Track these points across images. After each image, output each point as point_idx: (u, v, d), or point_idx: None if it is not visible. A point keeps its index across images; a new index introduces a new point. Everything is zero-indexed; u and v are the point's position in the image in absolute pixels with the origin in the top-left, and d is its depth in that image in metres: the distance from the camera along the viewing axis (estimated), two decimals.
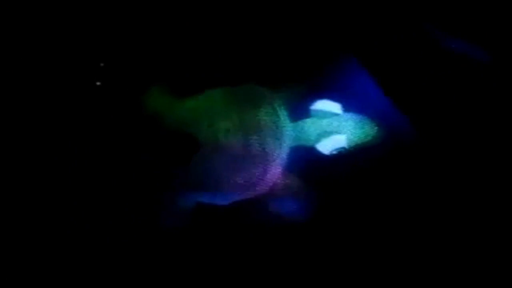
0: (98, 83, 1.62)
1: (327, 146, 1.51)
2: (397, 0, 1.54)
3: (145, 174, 1.52)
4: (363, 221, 1.49)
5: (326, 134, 1.51)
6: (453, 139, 1.50)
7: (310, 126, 1.53)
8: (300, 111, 1.55)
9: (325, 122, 1.52)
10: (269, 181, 1.50)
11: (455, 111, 1.50)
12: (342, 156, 1.52)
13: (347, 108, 1.55)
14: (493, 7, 1.49)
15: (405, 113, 1.52)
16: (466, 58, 1.48)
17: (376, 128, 1.52)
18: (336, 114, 1.54)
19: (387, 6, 1.56)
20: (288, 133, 1.53)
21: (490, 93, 1.47)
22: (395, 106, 1.52)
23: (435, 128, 1.51)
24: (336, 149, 1.51)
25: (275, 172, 1.51)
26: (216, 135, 1.50)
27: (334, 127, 1.52)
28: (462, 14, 1.51)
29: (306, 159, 1.53)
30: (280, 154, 1.51)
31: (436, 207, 1.47)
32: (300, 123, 1.54)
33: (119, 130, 1.56)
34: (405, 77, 1.54)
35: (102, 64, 1.63)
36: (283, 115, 1.53)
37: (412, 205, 1.49)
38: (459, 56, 1.49)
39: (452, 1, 1.51)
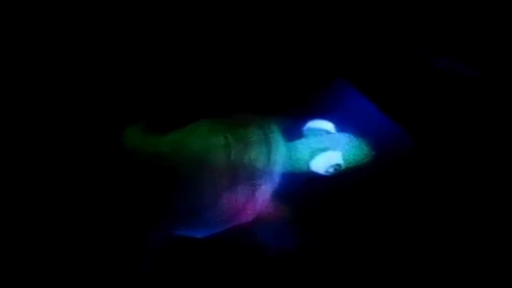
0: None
1: (321, 164, 1.46)
2: (385, 21, 1.52)
3: (122, 209, 1.43)
4: (360, 248, 1.41)
5: (320, 151, 1.47)
6: (452, 149, 1.46)
7: (303, 145, 1.49)
8: (292, 132, 1.51)
9: (318, 140, 1.49)
10: (258, 207, 1.42)
11: (451, 122, 1.48)
12: (337, 177, 1.46)
13: (340, 127, 1.52)
14: (477, 24, 1.46)
15: (402, 125, 1.49)
16: (454, 74, 1.47)
17: (371, 144, 1.48)
18: (329, 132, 1.51)
19: (376, 27, 1.54)
20: (280, 154, 1.47)
21: (481, 105, 1.45)
22: (391, 121, 1.50)
23: (434, 139, 1.48)
24: (331, 167, 1.46)
25: (265, 197, 1.43)
26: (199, 166, 1.43)
27: (327, 144, 1.48)
28: (448, 32, 1.49)
29: (299, 181, 1.47)
30: (271, 177, 1.44)
31: (440, 224, 1.40)
32: (293, 143, 1.50)
33: (95, 167, 1.49)
34: (398, 93, 1.53)
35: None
36: (275, 137, 1.49)
37: (413, 226, 1.41)
38: (447, 72, 1.47)
39: (438, 19, 1.49)
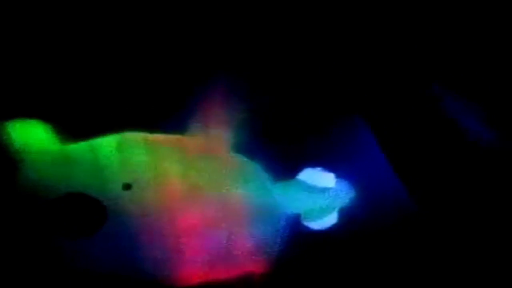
0: None
1: (315, 222, 1.28)
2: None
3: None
4: None
5: (316, 208, 1.29)
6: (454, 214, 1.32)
7: (298, 196, 1.30)
8: (286, 178, 1.31)
9: (315, 196, 1.30)
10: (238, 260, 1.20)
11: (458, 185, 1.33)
12: (330, 233, 1.29)
13: (341, 174, 1.33)
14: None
15: (406, 185, 1.33)
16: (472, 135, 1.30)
17: (371, 201, 1.30)
18: (329, 188, 1.31)
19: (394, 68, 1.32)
20: (270, 202, 1.27)
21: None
22: (397, 179, 1.33)
23: (438, 203, 1.34)
24: (325, 224, 1.28)
25: (245, 248, 1.20)
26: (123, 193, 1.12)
27: (325, 202, 1.30)
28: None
29: (287, 234, 1.27)
30: (250, 231, 1.22)
31: None
32: (286, 191, 1.30)
33: None
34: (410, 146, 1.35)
35: None
36: (261, 179, 1.28)
37: None
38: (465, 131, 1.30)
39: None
